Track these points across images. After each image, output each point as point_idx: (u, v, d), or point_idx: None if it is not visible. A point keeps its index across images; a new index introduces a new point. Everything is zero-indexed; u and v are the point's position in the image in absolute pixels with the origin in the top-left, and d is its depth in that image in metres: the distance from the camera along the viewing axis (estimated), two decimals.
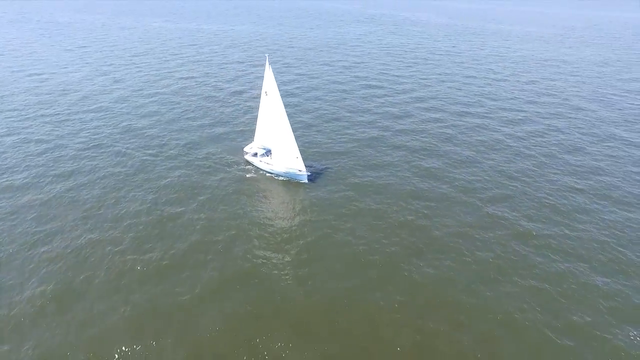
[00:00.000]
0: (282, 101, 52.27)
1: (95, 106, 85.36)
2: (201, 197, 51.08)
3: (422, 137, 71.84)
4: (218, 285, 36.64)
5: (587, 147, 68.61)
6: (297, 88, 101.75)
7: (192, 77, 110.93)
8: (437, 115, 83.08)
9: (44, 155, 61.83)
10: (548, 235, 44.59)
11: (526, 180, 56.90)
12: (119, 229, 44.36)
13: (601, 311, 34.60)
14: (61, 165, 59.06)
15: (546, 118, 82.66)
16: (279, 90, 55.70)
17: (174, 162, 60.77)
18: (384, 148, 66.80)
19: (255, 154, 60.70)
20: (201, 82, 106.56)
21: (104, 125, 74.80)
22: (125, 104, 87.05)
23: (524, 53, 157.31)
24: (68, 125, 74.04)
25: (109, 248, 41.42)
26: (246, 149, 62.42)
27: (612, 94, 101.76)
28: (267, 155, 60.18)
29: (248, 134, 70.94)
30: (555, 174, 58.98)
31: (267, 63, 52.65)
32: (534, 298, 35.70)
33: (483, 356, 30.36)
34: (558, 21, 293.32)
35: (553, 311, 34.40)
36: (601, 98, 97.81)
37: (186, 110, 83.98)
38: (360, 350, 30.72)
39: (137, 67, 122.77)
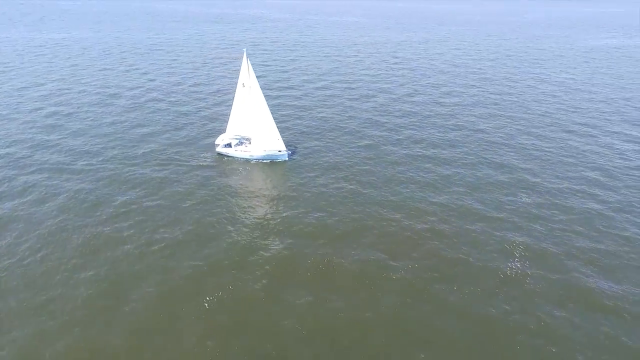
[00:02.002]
0: (261, 90, 58.10)
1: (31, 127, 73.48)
2: (185, 197, 51.88)
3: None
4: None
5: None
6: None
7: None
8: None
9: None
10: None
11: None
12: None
13: None
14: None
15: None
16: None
17: (145, 170, 59.60)
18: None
19: (229, 145, 63.93)
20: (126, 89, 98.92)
21: (43, 138, 66.53)
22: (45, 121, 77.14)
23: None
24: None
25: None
26: (217, 141, 64.57)
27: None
28: (242, 144, 64.19)
29: (201, 132, 72.94)
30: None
31: (244, 56, 57.28)
32: None
33: None
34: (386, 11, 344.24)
35: None
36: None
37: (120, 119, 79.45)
38: None
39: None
